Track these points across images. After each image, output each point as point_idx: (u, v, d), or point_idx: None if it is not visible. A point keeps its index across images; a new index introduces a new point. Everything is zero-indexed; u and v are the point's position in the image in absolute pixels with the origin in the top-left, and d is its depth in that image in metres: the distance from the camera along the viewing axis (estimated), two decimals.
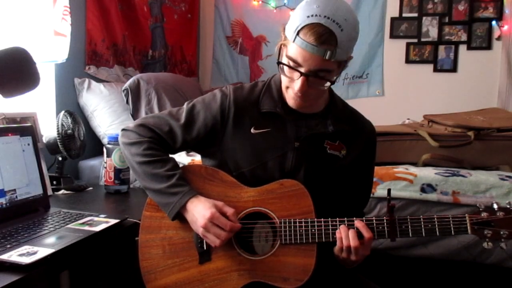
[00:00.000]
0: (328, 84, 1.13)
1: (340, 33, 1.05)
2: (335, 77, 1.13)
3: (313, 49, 1.05)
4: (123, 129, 1.27)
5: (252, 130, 1.22)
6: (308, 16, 1.05)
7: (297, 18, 1.08)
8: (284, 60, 1.12)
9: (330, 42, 1.05)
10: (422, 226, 1.10)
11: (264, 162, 1.20)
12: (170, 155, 1.26)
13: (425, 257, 1.85)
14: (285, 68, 1.13)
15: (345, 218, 1.13)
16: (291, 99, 1.18)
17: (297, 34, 1.06)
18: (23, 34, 2.03)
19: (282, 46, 1.14)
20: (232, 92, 1.24)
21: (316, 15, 1.05)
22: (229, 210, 1.13)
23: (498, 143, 2.08)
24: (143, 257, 1.21)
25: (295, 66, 1.10)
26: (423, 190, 1.85)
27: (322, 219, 1.13)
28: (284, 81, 1.17)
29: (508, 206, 1.08)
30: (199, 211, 1.12)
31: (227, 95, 1.24)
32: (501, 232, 1.07)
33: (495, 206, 1.09)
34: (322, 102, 1.25)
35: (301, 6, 1.09)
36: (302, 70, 1.09)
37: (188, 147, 1.29)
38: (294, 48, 1.08)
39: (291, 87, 1.15)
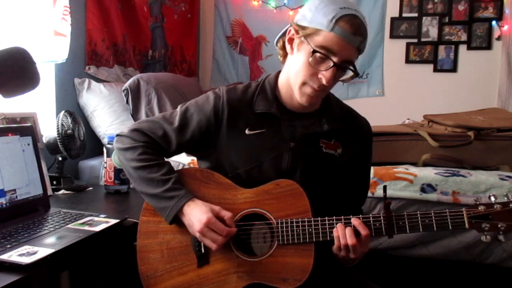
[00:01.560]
0: (351, 74, 1.16)
1: (367, 26, 1.11)
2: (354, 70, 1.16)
3: (350, 38, 1.08)
4: (117, 135, 1.26)
5: (247, 131, 1.21)
6: (341, 8, 1.08)
7: (329, 9, 1.08)
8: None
9: (363, 33, 1.10)
10: (419, 221, 1.09)
11: (260, 163, 1.20)
12: (166, 159, 1.25)
13: (425, 257, 1.85)
14: (312, 58, 1.11)
15: (342, 217, 1.12)
16: (306, 96, 1.16)
17: (335, 23, 1.07)
18: (23, 34, 2.03)
19: (305, 37, 1.11)
20: (225, 94, 1.24)
21: (348, 8, 1.09)
22: (226, 214, 1.13)
23: (498, 143, 2.08)
24: (141, 262, 1.21)
25: (328, 54, 1.10)
26: (423, 190, 1.85)
27: (319, 218, 1.12)
28: (304, 76, 1.14)
29: (505, 199, 1.08)
30: (196, 215, 1.12)
31: (220, 97, 1.23)
32: (499, 225, 1.06)
33: (492, 199, 1.08)
34: None
35: (323, 0, 1.10)
36: (335, 60, 1.09)
37: (183, 150, 1.28)
38: (331, 37, 1.08)
39: (311, 82, 1.13)
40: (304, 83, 1.15)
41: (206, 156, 1.27)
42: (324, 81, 1.11)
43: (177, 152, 1.27)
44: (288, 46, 1.18)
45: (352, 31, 1.07)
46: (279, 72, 1.27)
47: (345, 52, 1.09)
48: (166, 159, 1.25)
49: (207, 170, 1.23)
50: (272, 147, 1.20)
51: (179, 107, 1.27)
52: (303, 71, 1.13)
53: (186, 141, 1.23)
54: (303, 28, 1.12)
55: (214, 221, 1.10)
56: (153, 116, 1.32)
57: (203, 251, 1.17)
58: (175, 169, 1.23)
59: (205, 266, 1.17)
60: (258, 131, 1.21)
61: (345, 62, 1.11)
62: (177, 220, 1.16)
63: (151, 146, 1.21)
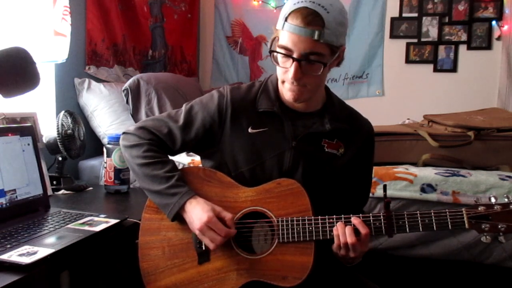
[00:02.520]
0: (322, 68, 1.12)
1: (327, 15, 1.08)
2: (328, 62, 1.12)
3: (300, 30, 1.08)
4: (124, 132, 1.29)
5: (250, 130, 1.22)
6: (294, 4, 1.10)
7: (285, 8, 1.12)
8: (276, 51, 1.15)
9: (316, 22, 1.07)
10: (419, 221, 1.09)
11: (262, 161, 1.21)
12: (170, 157, 1.26)
13: (425, 257, 1.85)
14: (279, 58, 1.15)
15: (342, 215, 1.13)
16: (288, 92, 1.17)
17: (285, 20, 1.10)
18: (23, 34, 2.03)
19: (275, 39, 1.16)
20: (229, 92, 1.25)
21: (302, 1, 1.09)
22: (227, 215, 1.14)
23: (498, 143, 2.08)
24: (143, 259, 1.22)
25: (287, 53, 1.11)
26: (423, 190, 1.85)
27: (319, 217, 1.13)
28: (280, 74, 1.18)
29: (505, 200, 1.08)
30: (197, 213, 1.13)
31: (225, 95, 1.25)
32: (499, 226, 1.06)
33: (493, 200, 1.08)
34: (319, 100, 1.25)
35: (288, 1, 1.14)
36: (294, 55, 1.10)
37: (187, 148, 1.29)
38: (284, 34, 1.11)
39: (286, 79, 1.15)
40: (282, 81, 1.18)
41: (209, 154, 1.28)
42: (289, 77, 1.13)
43: (182, 150, 1.28)
44: None
45: (302, 23, 1.07)
46: None
47: (299, 46, 1.09)
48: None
49: (209, 169, 1.25)
50: (275, 146, 1.21)
51: (184, 105, 1.29)
52: (279, 70, 1.18)
53: (190, 139, 1.25)
54: (276, 31, 1.16)
55: (214, 221, 1.11)
56: (158, 114, 1.33)
57: (203, 248, 1.18)
58: None
59: (205, 263, 1.18)
60: (261, 129, 1.22)
61: (310, 54, 1.10)
62: (179, 217, 1.17)
63: (156, 143, 1.23)
